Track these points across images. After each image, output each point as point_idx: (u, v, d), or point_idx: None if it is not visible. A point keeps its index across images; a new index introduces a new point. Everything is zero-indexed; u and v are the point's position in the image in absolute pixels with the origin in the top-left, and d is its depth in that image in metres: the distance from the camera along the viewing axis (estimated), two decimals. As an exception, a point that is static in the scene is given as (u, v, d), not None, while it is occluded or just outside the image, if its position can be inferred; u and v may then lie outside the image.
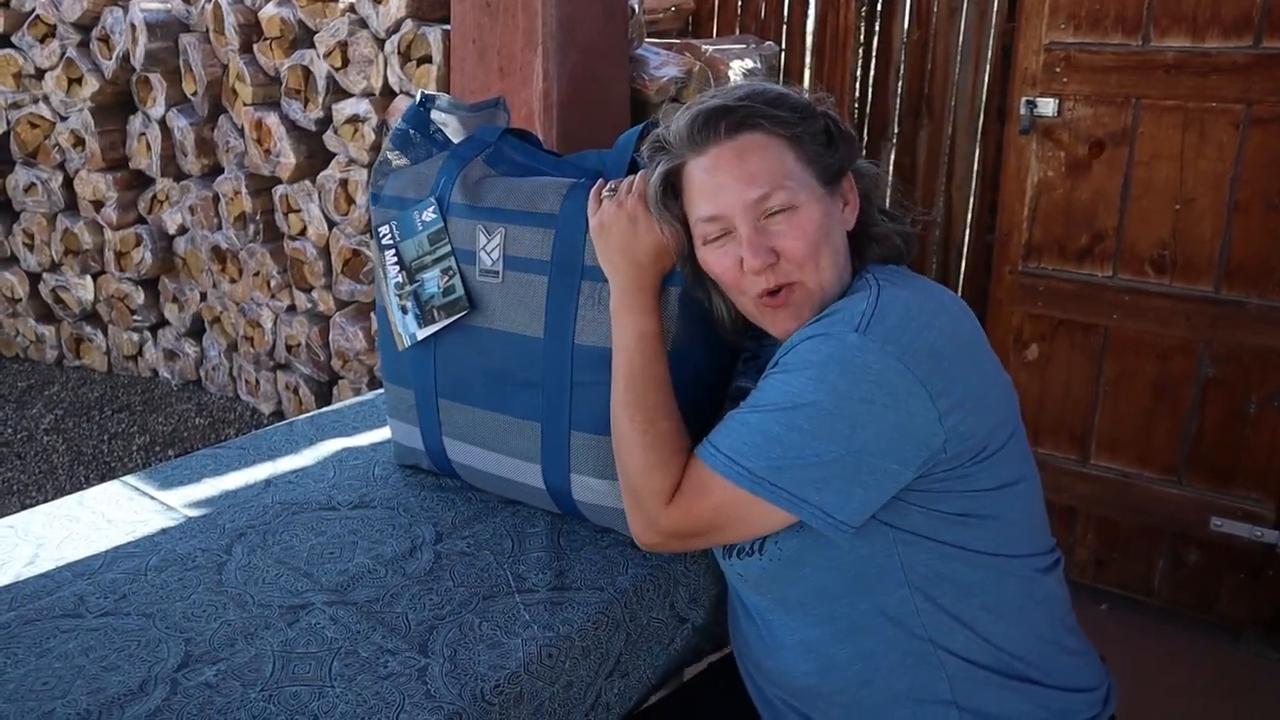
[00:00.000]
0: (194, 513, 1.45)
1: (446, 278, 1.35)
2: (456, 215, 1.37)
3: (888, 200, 1.28)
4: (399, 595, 1.25)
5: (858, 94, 3.48)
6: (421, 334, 1.38)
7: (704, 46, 3.18)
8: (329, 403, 3.51)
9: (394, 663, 1.12)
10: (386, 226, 1.42)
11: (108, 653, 1.14)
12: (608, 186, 1.28)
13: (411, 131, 1.47)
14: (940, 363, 1.06)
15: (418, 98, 1.48)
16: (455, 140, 1.48)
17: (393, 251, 1.41)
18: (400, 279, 1.39)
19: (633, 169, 1.30)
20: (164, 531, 1.40)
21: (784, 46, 3.72)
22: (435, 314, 1.36)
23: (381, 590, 1.26)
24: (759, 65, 3.35)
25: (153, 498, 1.49)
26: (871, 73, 3.46)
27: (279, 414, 3.69)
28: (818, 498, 1.06)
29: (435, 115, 1.48)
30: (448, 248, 1.36)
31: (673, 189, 1.19)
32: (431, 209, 1.37)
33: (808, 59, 3.79)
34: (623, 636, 1.25)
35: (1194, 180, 2.29)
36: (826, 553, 1.13)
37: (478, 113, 1.48)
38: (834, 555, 1.13)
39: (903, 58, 3.35)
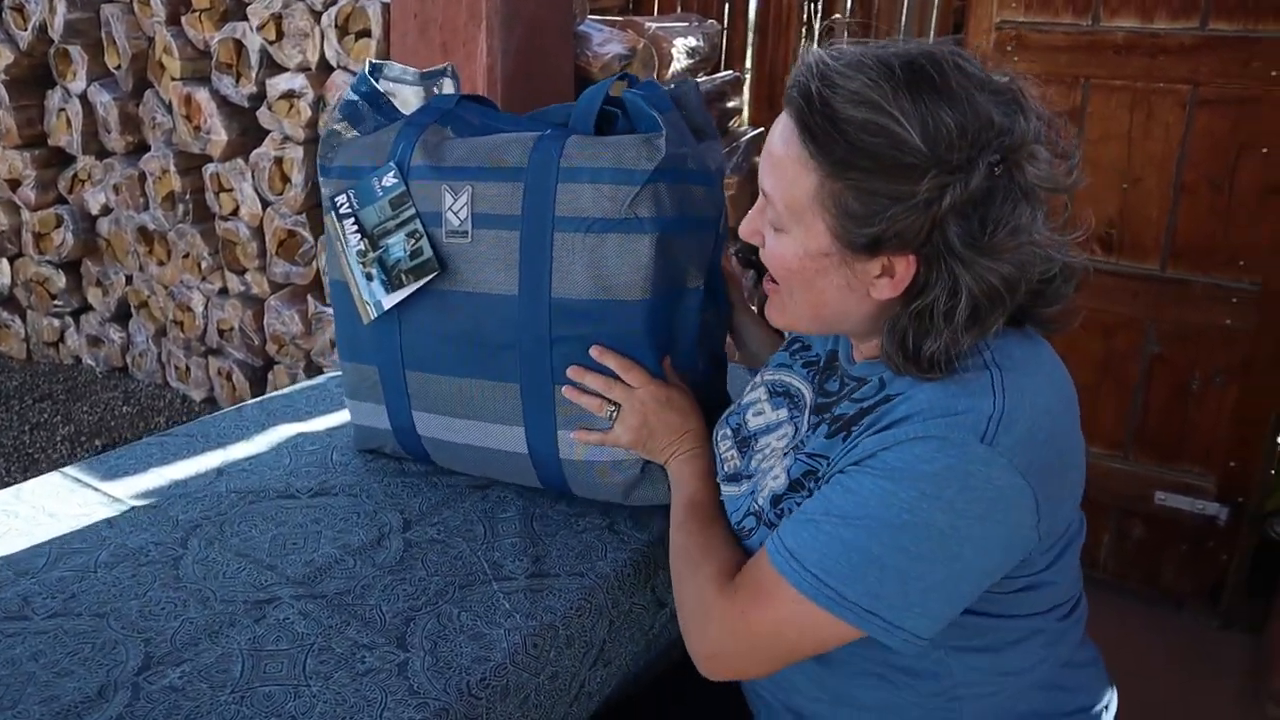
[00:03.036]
0: (142, 504, 1.37)
1: (413, 241, 1.30)
2: (419, 178, 1.31)
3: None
4: (370, 586, 1.19)
5: (802, 74, 3.47)
6: (389, 301, 1.32)
7: (647, 24, 3.13)
8: (264, 389, 3.40)
9: (371, 658, 1.07)
10: (344, 195, 1.36)
11: (60, 657, 1.06)
12: (607, 412, 1.26)
13: (360, 103, 1.42)
14: (1053, 474, 0.97)
15: (365, 66, 1.42)
16: (404, 113, 1.43)
17: (352, 220, 1.35)
18: (362, 246, 1.33)
19: (600, 121, 1.29)
20: (111, 525, 1.32)
21: (726, 25, 3.70)
22: (403, 278, 1.30)
23: (351, 581, 1.20)
24: (702, 43, 3.31)
25: (96, 489, 1.41)
26: (816, 52, 3.45)
27: (211, 401, 3.56)
28: (911, 623, 0.95)
29: (383, 84, 1.43)
30: (411, 210, 1.31)
31: None
32: (392, 174, 1.32)
33: (750, 38, 3.76)
34: (606, 623, 1.21)
35: (1142, 160, 2.31)
36: None
37: (427, 80, 1.44)
38: None
39: (845, 38, 3.35)
